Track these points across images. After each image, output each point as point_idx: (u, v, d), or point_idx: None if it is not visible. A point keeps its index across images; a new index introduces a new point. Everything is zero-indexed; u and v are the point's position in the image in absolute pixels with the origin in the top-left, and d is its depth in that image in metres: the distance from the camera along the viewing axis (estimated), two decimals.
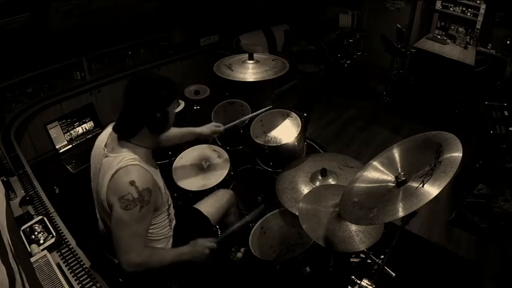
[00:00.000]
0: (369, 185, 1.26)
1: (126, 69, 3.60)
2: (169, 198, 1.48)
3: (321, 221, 1.47)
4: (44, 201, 1.73)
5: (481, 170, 2.59)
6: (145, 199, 1.22)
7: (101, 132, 1.44)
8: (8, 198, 1.65)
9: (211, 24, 4.29)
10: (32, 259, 1.33)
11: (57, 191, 2.27)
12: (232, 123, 2.00)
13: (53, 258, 1.37)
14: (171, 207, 1.48)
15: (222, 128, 1.93)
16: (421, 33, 4.69)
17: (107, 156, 1.28)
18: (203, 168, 2.04)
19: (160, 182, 1.38)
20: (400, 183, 1.13)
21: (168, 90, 1.29)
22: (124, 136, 1.30)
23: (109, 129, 1.38)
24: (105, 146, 1.33)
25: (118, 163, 1.23)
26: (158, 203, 1.34)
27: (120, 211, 1.19)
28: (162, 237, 1.42)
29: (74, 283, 1.32)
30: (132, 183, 1.19)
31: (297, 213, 1.54)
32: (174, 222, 1.51)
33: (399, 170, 1.19)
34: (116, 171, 1.21)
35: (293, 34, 5.06)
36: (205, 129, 1.88)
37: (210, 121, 2.32)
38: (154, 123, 1.29)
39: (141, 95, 1.26)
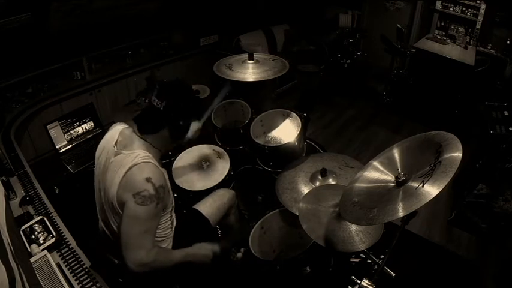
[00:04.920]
0: (369, 185, 1.26)
1: (126, 69, 3.60)
2: (173, 200, 1.48)
3: (321, 221, 1.47)
4: (44, 201, 1.73)
5: (481, 170, 2.59)
6: (161, 196, 1.24)
7: (101, 131, 1.44)
8: (8, 198, 1.65)
9: (211, 24, 4.29)
10: (32, 259, 1.33)
11: (57, 191, 2.27)
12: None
13: (53, 258, 1.37)
14: (173, 209, 1.49)
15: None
16: (421, 33, 4.68)
17: (118, 154, 1.28)
18: (203, 168, 2.04)
19: (168, 182, 1.39)
20: (400, 183, 1.13)
21: (197, 105, 1.40)
22: (144, 130, 1.33)
23: (117, 128, 1.38)
24: (116, 144, 1.32)
25: (132, 160, 1.23)
26: (167, 202, 1.35)
27: (136, 207, 1.18)
28: (164, 237, 1.42)
29: (74, 283, 1.32)
30: (148, 179, 1.20)
31: (297, 213, 1.54)
32: (175, 224, 1.52)
33: (399, 170, 1.19)
34: (130, 168, 1.21)
35: (293, 34, 5.05)
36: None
37: (210, 121, 2.33)
38: (176, 128, 1.35)
39: (176, 98, 1.31)
